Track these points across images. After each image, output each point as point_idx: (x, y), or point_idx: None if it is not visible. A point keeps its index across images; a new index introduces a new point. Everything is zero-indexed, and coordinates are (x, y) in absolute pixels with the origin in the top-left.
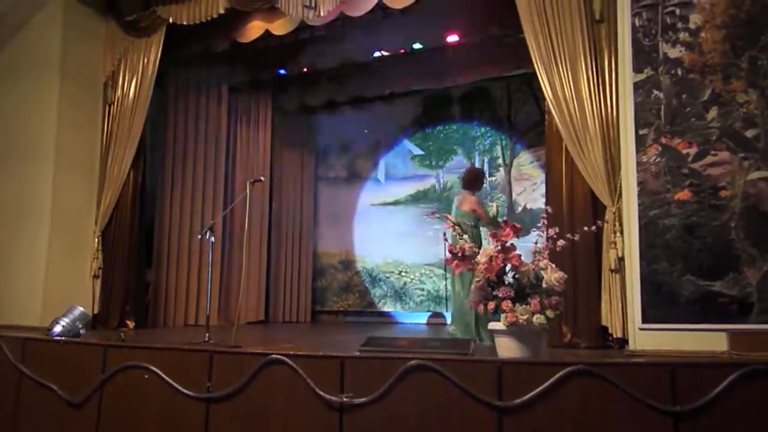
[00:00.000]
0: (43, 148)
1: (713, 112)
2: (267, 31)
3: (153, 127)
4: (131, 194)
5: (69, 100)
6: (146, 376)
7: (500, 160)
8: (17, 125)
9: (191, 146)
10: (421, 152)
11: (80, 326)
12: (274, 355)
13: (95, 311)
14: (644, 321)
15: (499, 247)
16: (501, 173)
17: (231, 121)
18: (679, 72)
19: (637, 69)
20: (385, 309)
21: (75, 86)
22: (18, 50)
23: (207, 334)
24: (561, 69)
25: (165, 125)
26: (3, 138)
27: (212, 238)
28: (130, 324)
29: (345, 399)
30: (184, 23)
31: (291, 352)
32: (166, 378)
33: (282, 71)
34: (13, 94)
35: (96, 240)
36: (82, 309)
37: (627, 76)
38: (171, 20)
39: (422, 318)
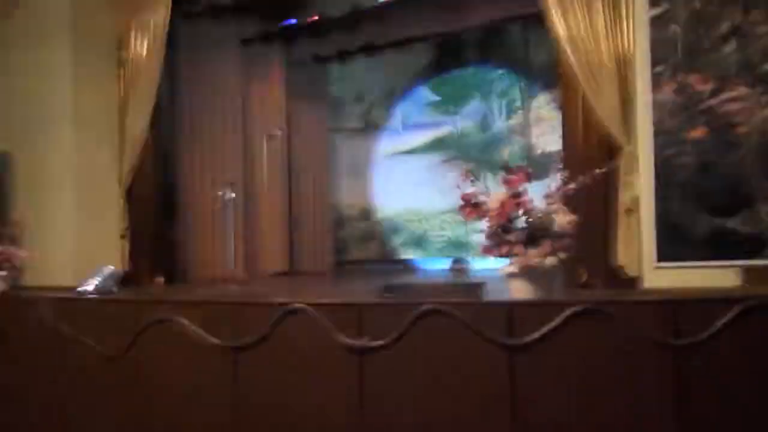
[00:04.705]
0: (62, 113)
1: (731, 46)
2: None
3: (167, 86)
4: (151, 154)
5: (82, 64)
6: (176, 328)
7: (517, 103)
8: (33, 93)
9: (206, 103)
10: (437, 98)
11: (112, 284)
12: (295, 305)
13: (125, 269)
14: (658, 260)
15: (510, 192)
16: (519, 116)
17: (243, 74)
18: (697, 4)
19: (654, 2)
20: (407, 257)
21: (87, 49)
22: (26, 17)
23: (232, 287)
24: (575, 5)
25: (179, 83)
26: (21, 107)
27: (232, 194)
28: (160, 280)
29: (364, 343)
30: None
31: (311, 301)
32: (195, 329)
33: (292, 21)
34: (25, 61)
35: (121, 200)
36: (112, 267)
37: (643, 11)
38: None
39: (443, 264)
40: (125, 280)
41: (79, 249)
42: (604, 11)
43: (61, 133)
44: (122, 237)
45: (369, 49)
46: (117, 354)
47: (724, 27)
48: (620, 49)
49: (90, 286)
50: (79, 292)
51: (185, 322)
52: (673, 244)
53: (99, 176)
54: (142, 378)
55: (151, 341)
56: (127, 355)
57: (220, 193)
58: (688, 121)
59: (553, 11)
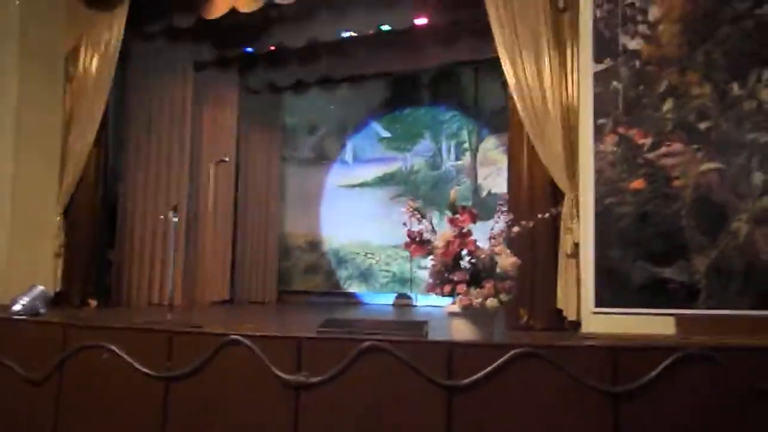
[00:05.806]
0: (3, 125)
1: (669, 104)
2: (233, 8)
3: (116, 105)
4: (94, 173)
5: (29, 77)
6: (105, 356)
7: (467, 145)
8: None
9: (155, 125)
10: (389, 135)
11: (40, 305)
12: (232, 336)
13: (57, 290)
14: (597, 305)
15: (456, 232)
16: (467, 157)
17: (196, 99)
18: (638, 64)
19: (598, 59)
20: (351, 290)
21: (35, 62)
22: None
23: (169, 314)
24: (524, 56)
25: (128, 103)
26: None
27: (176, 218)
28: (93, 303)
29: (301, 378)
30: None
31: (249, 333)
32: (125, 357)
33: (249, 50)
34: None
35: (58, 219)
36: (42, 287)
37: (588, 66)
38: None
39: (388, 299)
40: (56, 300)
41: (10, 266)
42: (551, 64)
43: (0, 146)
44: (57, 255)
45: (325, 82)
46: (41, 378)
47: (663, 86)
48: (566, 100)
49: (18, 305)
50: (7, 310)
51: (115, 348)
52: (611, 291)
53: (37, 193)
54: (67, 405)
55: (78, 367)
56: (53, 379)
57: (162, 216)
58: (628, 172)
59: (504, 60)
